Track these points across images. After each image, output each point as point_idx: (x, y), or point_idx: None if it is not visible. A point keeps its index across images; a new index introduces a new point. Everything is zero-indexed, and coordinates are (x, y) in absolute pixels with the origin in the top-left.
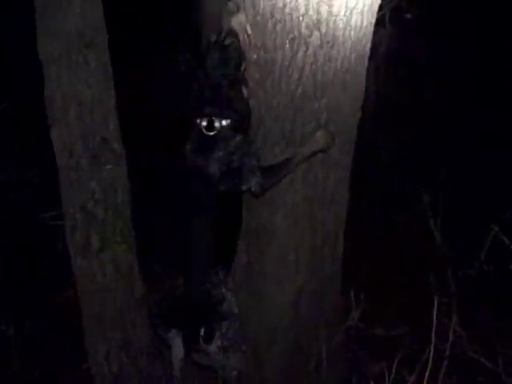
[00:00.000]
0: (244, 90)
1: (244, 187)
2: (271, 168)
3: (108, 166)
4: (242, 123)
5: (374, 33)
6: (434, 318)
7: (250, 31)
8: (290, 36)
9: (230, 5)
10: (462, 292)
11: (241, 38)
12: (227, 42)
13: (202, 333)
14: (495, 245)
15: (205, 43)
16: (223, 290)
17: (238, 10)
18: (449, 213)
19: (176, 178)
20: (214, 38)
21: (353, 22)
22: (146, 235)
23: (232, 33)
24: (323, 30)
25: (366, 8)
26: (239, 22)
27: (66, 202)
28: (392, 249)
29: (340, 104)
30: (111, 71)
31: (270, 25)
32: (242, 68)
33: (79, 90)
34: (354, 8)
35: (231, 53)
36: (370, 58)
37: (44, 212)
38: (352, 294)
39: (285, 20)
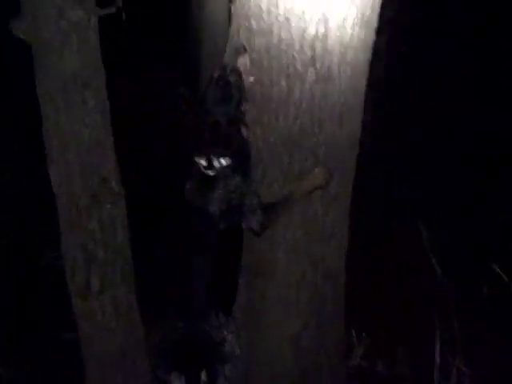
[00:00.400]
0: (243, 130)
1: (244, 225)
2: (271, 206)
3: (107, 206)
4: (242, 162)
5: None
6: (437, 356)
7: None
8: (286, 72)
9: (238, 44)
10: (465, 328)
11: (244, 78)
12: (231, 79)
13: (203, 376)
14: (496, 280)
15: (207, 79)
16: (224, 333)
17: (244, 50)
18: (449, 247)
19: (176, 217)
20: (217, 74)
21: (348, 59)
22: (146, 274)
23: (236, 71)
24: (318, 66)
25: (360, 44)
26: (244, 62)
27: (65, 242)
28: (394, 285)
29: (337, 139)
30: (109, 110)
31: (265, 61)
32: (243, 107)
33: (77, 129)
34: (348, 44)
35: (233, 90)
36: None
37: (44, 253)
38: (354, 331)
39: (280, 56)
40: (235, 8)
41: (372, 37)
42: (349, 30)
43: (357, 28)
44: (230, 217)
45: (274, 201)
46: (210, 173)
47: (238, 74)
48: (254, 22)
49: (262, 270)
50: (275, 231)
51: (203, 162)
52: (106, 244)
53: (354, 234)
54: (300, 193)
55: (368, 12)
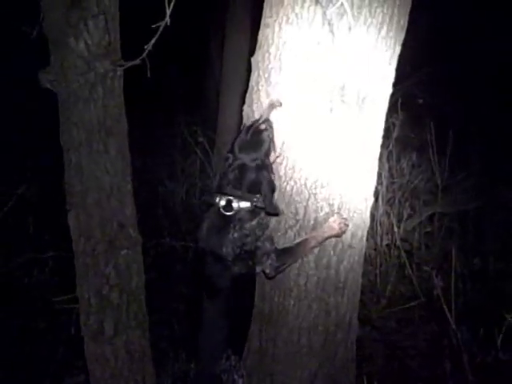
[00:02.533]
0: (269, 176)
1: (258, 269)
2: (285, 251)
3: (123, 252)
4: (260, 207)
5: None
6: None
7: None
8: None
9: (274, 99)
10: (478, 381)
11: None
12: (262, 126)
13: None
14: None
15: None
16: (234, 377)
17: (280, 105)
18: (463, 299)
19: (190, 258)
20: (250, 123)
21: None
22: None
23: (269, 121)
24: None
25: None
26: (277, 119)
27: (80, 286)
28: (407, 334)
29: (352, 189)
30: (129, 158)
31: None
32: (271, 156)
33: (98, 176)
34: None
35: (264, 138)
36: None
37: (57, 295)
38: (365, 380)
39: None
40: (255, 60)
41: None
42: None
43: None
44: (243, 260)
45: (288, 246)
46: (228, 213)
47: (271, 124)
48: (274, 75)
49: (273, 316)
50: (287, 277)
51: (222, 202)
52: (121, 289)
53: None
54: (315, 241)
55: None
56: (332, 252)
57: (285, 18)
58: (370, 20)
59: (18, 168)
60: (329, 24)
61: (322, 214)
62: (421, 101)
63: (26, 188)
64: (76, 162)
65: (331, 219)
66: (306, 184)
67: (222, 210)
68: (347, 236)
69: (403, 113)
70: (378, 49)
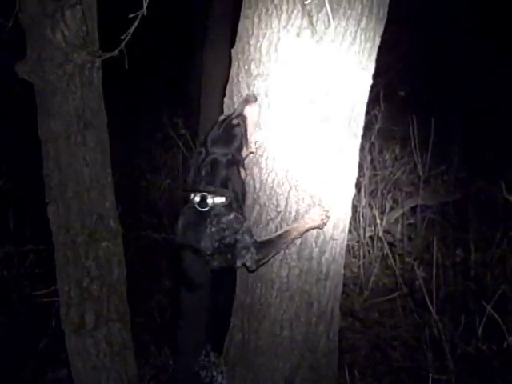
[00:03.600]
0: (241, 171)
1: (238, 263)
2: (265, 243)
3: (103, 244)
4: (236, 202)
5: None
6: None
7: None
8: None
9: (249, 95)
10: (460, 371)
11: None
12: (234, 121)
13: None
14: (491, 322)
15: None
16: (214, 373)
17: (255, 100)
18: (445, 290)
19: (169, 253)
20: (223, 117)
21: None
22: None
23: (241, 116)
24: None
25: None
26: (252, 111)
27: (61, 278)
28: (389, 325)
29: (333, 181)
30: (109, 150)
31: (264, 105)
32: (243, 152)
33: (77, 168)
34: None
35: (236, 133)
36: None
37: (38, 288)
38: (348, 370)
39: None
40: (235, 51)
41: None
42: None
43: None
44: (223, 254)
45: (268, 239)
46: (203, 209)
47: (243, 118)
48: (253, 66)
49: (255, 308)
50: (270, 269)
51: (197, 198)
52: (102, 281)
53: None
54: (296, 232)
55: None
56: (314, 244)
57: (264, 10)
58: (349, 12)
59: None
60: (308, 16)
61: (303, 205)
62: (403, 93)
63: (4, 181)
64: (54, 155)
65: (313, 210)
66: (287, 176)
67: (197, 206)
68: (329, 227)
69: (385, 105)
70: (357, 41)
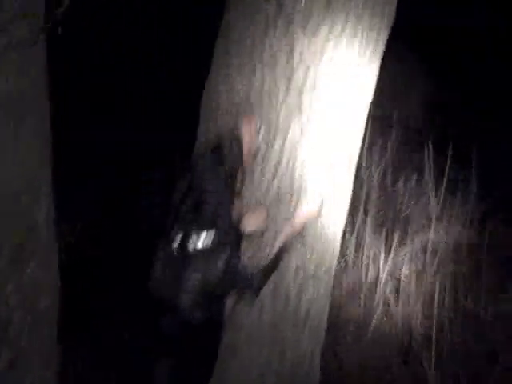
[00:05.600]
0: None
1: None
2: (264, 271)
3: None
4: (227, 237)
5: None
6: None
7: None
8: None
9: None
10: None
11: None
12: (227, 145)
13: None
14: None
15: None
16: None
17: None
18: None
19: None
20: (215, 141)
21: None
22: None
23: (237, 140)
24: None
25: None
26: (249, 130)
27: None
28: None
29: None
30: (50, 143)
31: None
32: (238, 180)
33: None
34: None
35: (227, 156)
36: None
37: None
38: None
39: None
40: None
41: None
42: None
43: None
44: (204, 309)
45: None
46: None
47: (238, 142)
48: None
49: (223, 356)
50: (237, 314)
51: (176, 242)
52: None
53: None
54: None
55: None
56: (292, 283)
57: None
58: None
59: None
60: None
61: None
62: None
63: None
64: None
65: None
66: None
67: (176, 251)
68: (311, 264)
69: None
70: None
